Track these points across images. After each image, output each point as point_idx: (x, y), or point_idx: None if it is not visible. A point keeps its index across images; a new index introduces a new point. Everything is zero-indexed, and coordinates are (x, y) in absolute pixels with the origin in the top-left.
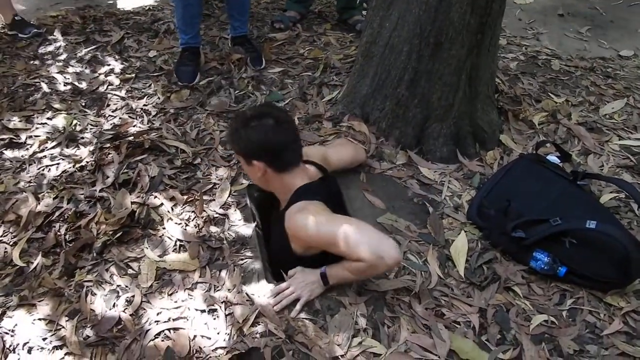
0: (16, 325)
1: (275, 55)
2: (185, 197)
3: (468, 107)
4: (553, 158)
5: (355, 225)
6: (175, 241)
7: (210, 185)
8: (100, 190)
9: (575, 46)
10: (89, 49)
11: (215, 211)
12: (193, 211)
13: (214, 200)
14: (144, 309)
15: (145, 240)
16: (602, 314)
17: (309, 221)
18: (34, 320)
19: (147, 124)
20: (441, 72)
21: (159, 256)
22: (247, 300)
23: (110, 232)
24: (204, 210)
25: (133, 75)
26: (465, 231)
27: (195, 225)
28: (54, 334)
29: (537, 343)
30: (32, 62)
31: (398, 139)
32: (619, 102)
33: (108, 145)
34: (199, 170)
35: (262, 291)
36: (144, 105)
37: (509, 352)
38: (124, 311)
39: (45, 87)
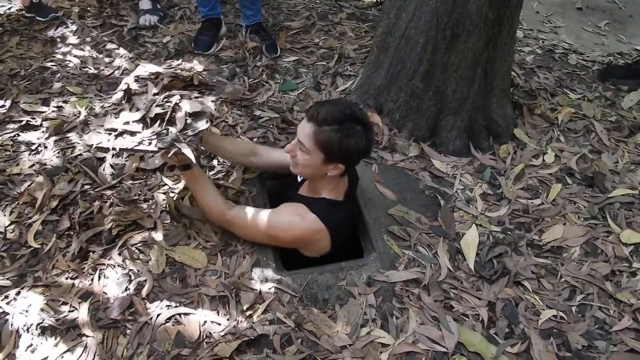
0: (30, 305)
1: (290, 44)
2: None
3: (483, 101)
4: None
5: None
6: (187, 230)
7: (224, 173)
8: (125, 123)
9: (593, 40)
10: (105, 33)
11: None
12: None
13: (225, 187)
14: (156, 294)
15: (157, 224)
16: (611, 310)
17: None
18: (48, 301)
19: None
20: (457, 64)
21: (171, 245)
22: (257, 288)
23: (124, 222)
24: None
25: (148, 60)
26: (476, 224)
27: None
28: (67, 316)
29: (545, 338)
30: (49, 45)
31: (411, 131)
32: (636, 94)
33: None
34: (213, 158)
35: (272, 279)
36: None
37: (517, 346)
38: (135, 295)
39: (61, 71)
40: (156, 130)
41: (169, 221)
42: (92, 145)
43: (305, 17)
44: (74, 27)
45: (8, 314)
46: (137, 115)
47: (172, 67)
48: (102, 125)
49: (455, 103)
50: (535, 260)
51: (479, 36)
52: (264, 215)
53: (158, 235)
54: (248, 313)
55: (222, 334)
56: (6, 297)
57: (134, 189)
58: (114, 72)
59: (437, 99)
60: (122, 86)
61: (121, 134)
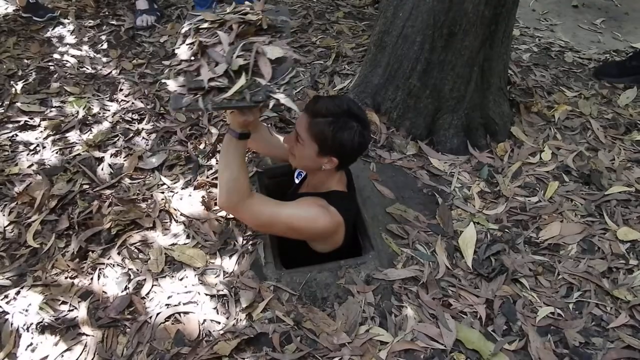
0: (30, 305)
1: (288, 43)
2: (196, 182)
3: (480, 99)
4: None
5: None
6: (186, 229)
7: None
8: (210, 80)
9: (589, 38)
10: (102, 33)
11: None
12: (203, 196)
13: None
14: (155, 292)
15: (156, 224)
16: (608, 307)
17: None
18: (47, 300)
19: (159, 109)
20: (454, 63)
21: (170, 244)
22: (256, 287)
23: (123, 222)
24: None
25: (145, 60)
26: (474, 222)
27: (205, 211)
28: (66, 315)
29: (543, 335)
30: (46, 45)
31: (409, 130)
32: (632, 92)
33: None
34: (211, 157)
35: (270, 278)
36: (157, 90)
37: (515, 343)
38: (135, 294)
39: (59, 71)
40: (245, 85)
41: (167, 220)
42: (182, 108)
43: (303, 16)
44: (71, 27)
45: (8, 313)
46: (220, 69)
47: (231, 13)
48: (184, 86)
49: (453, 101)
50: (533, 257)
51: (475, 34)
52: (287, 207)
53: (157, 235)
54: (247, 312)
55: (221, 332)
56: (6, 296)
57: (133, 189)
58: (111, 71)
59: (435, 97)
60: (187, 40)
61: (208, 92)
